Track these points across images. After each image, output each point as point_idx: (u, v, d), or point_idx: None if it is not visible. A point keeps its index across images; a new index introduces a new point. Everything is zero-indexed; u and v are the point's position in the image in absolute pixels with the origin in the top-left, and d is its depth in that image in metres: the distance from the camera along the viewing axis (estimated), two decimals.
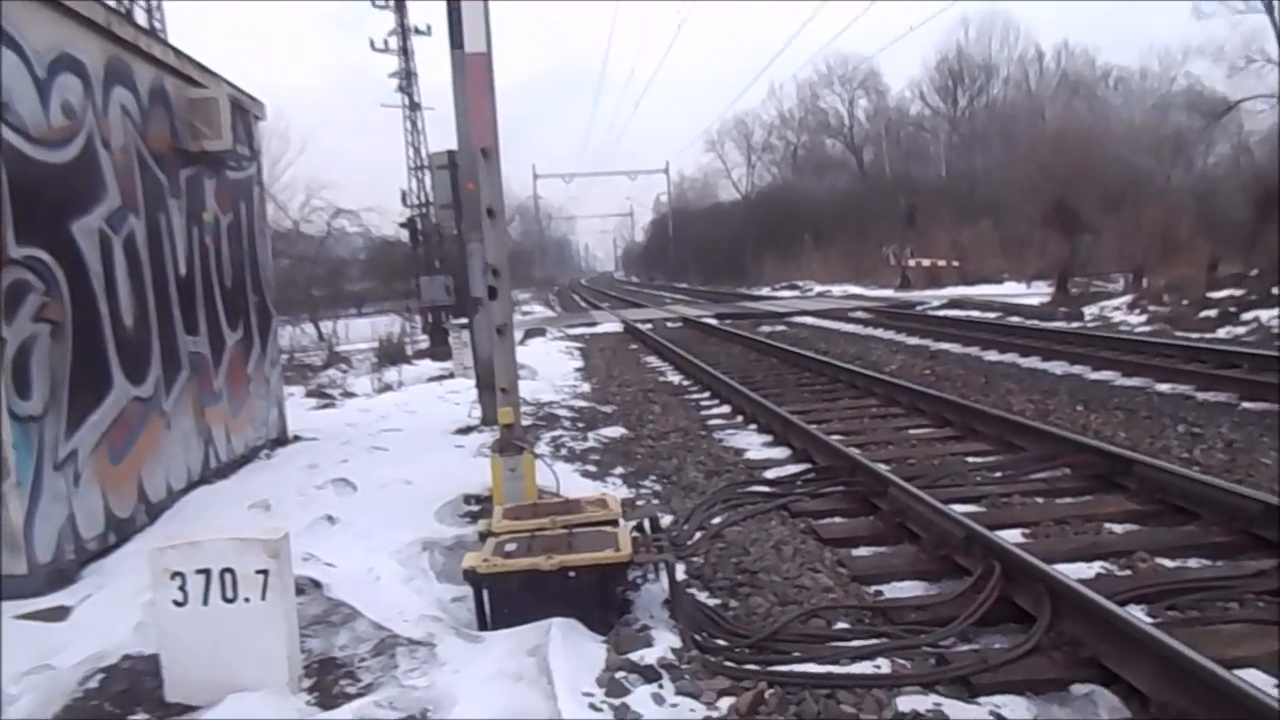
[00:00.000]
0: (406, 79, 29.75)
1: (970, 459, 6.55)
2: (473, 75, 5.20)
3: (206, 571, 3.34)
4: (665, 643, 3.53)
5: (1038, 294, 22.62)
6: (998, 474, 6.03)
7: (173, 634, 3.34)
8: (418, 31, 29.99)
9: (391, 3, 29.34)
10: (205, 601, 3.33)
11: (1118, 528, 4.82)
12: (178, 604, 3.32)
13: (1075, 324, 15.66)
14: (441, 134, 31.89)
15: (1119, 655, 3.12)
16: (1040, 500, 5.42)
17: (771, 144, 63.34)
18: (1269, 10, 26.79)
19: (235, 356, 7.05)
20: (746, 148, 64.88)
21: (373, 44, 29.67)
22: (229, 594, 3.35)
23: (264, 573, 3.35)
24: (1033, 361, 11.37)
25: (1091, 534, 4.73)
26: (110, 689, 3.44)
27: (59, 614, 3.97)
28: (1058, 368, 10.67)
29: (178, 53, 6.22)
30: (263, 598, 3.35)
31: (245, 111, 7.37)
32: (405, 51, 29.78)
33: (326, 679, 3.52)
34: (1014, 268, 29.03)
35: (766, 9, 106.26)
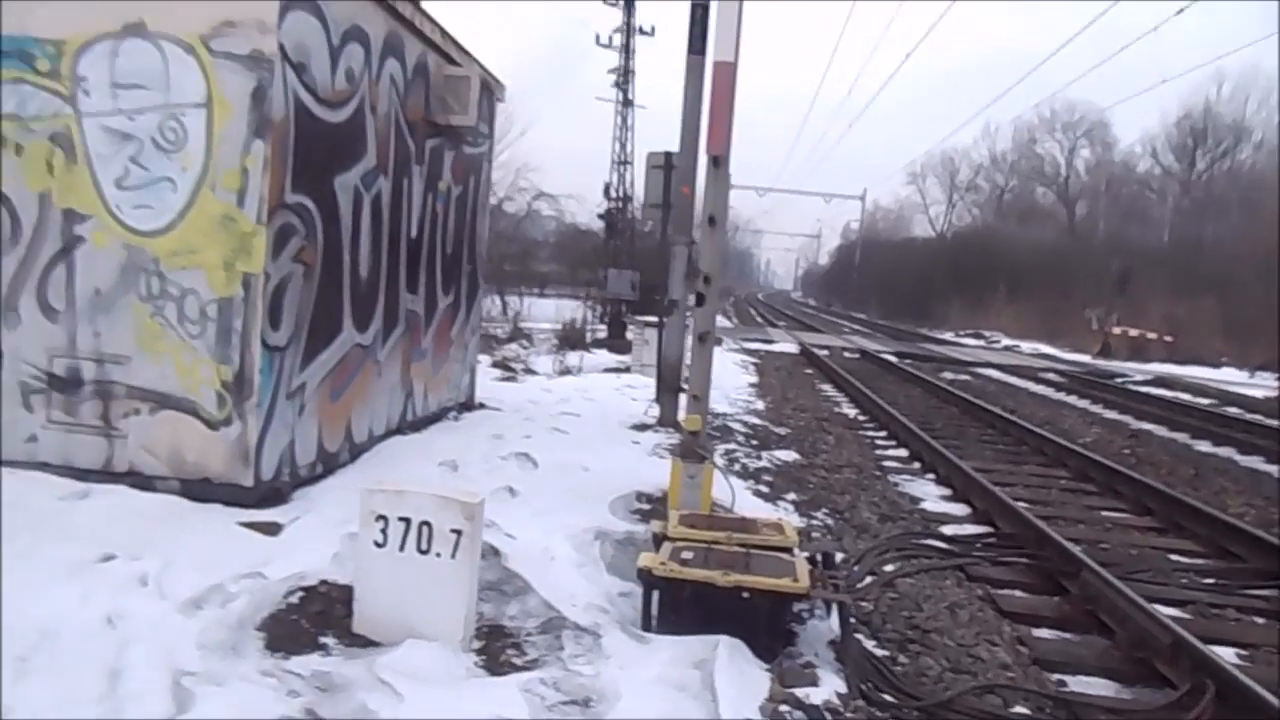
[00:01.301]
0: (624, 76, 30.58)
1: (1175, 557, 5.98)
2: (717, 83, 5.25)
3: (407, 520, 3.54)
4: (830, 685, 3.43)
5: (1263, 386, 20.37)
6: (1209, 580, 5.47)
7: (368, 571, 3.57)
8: (642, 32, 30.79)
9: (621, 1, 30.26)
10: (402, 548, 3.54)
11: None
12: (378, 545, 3.55)
13: None
14: (648, 133, 32.62)
15: None
16: (1260, 621, 4.87)
17: (977, 184, 60.66)
18: None
19: (444, 319, 7.48)
20: (950, 185, 62.43)
21: (598, 39, 30.70)
22: (424, 545, 3.54)
23: (458, 532, 3.51)
24: (1254, 461, 10.25)
25: None
26: (308, 608, 3.72)
27: (273, 529, 4.34)
28: None
29: (443, 32, 6.66)
30: (453, 556, 3.51)
31: (490, 92, 7.81)
32: (627, 50, 30.63)
33: (495, 645, 3.65)
34: (1236, 352, 26.26)
35: (995, 47, 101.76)
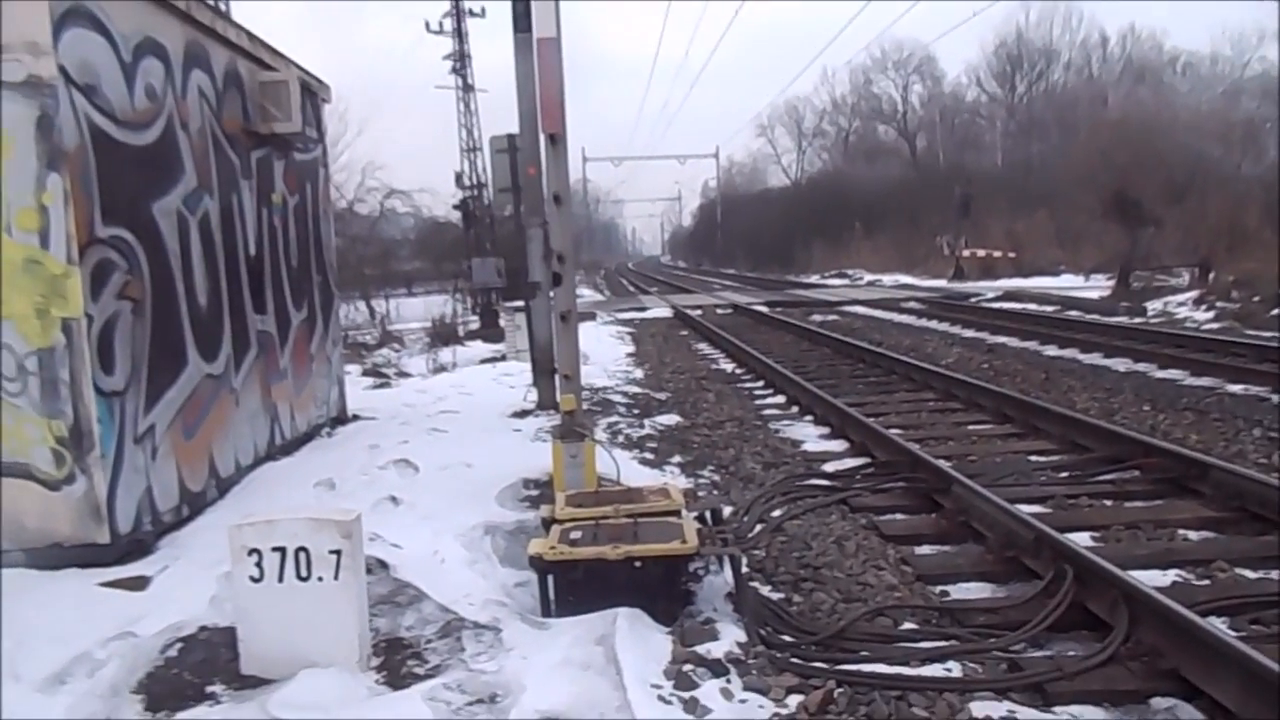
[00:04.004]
0: (460, 61, 29.92)
1: (1034, 458, 6.42)
2: (543, 60, 5.20)
3: (282, 550, 3.42)
4: (730, 636, 3.52)
5: (1096, 287, 22.03)
6: (1064, 474, 5.91)
7: (249, 609, 3.42)
8: (472, 14, 30.15)
9: None
10: (280, 579, 3.41)
11: (1193, 535, 4.69)
12: (254, 580, 3.41)
13: (1138, 319, 15.24)
14: (494, 116, 32.11)
15: (1203, 669, 3.03)
16: (1109, 503, 5.30)
17: (823, 129, 62.64)
18: None
19: (300, 335, 7.18)
20: (797, 133, 64.27)
21: (428, 25, 29.89)
22: (303, 572, 3.42)
23: (337, 553, 3.41)
24: (1094, 358, 11.10)
25: (1165, 540, 4.60)
26: (189, 659, 3.54)
27: (139, 583, 4.09)
28: (1121, 364, 10.40)
29: (251, 36, 6.31)
30: (335, 577, 3.41)
31: (313, 94, 7.47)
32: (460, 33, 29.95)
33: (394, 659, 3.58)
34: (1071, 260, 28.26)
35: None
